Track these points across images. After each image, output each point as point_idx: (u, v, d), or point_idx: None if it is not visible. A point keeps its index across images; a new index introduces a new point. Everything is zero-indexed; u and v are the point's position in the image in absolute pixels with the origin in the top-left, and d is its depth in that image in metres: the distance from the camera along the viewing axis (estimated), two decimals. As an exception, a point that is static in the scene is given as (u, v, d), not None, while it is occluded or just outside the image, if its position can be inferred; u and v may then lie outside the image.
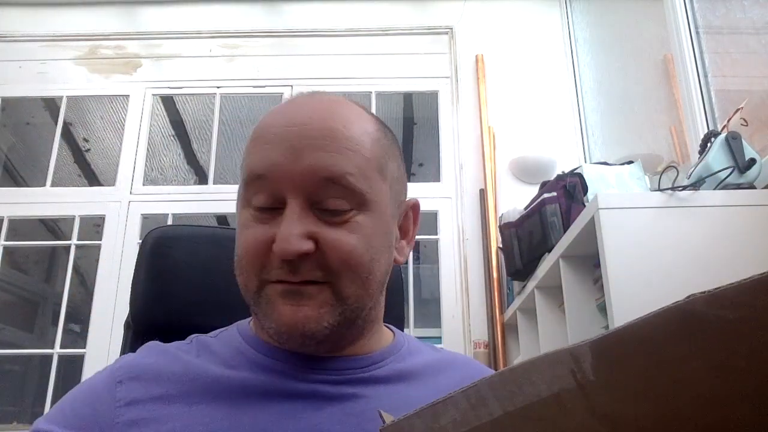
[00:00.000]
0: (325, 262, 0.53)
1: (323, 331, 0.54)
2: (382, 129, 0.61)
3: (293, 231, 0.52)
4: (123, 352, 0.81)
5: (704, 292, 0.28)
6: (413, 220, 0.66)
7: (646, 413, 0.28)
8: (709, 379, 0.28)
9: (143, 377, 0.56)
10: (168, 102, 3.11)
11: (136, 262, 0.82)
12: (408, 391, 0.59)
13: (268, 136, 0.56)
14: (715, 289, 0.27)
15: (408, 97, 3.15)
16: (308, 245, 0.52)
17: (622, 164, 1.70)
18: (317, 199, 0.54)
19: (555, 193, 1.66)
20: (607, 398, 0.28)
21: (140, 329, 0.80)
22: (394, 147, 0.62)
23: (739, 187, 1.24)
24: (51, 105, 3.06)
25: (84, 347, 2.32)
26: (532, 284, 1.80)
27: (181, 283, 0.81)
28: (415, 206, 0.66)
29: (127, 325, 0.83)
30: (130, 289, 0.81)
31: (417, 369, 0.62)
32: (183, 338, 0.63)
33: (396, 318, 0.81)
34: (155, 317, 0.79)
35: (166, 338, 0.81)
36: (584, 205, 1.49)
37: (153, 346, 0.61)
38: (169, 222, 2.49)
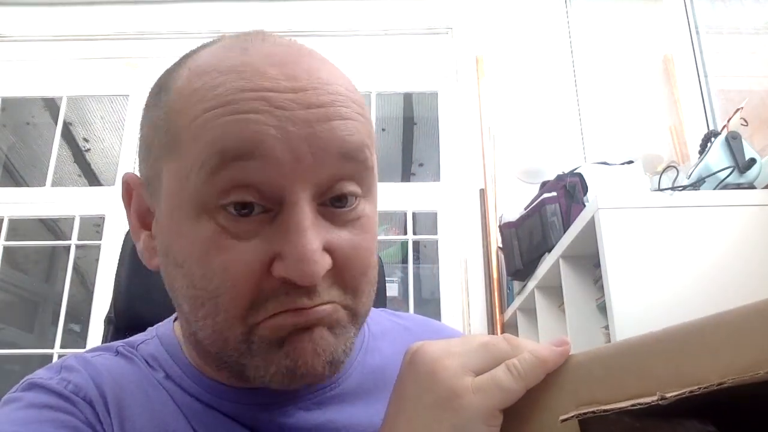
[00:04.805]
0: (342, 279, 0.41)
1: (342, 357, 0.42)
2: None
3: (314, 245, 0.38)
4: None
5: None
6: None
7: None
8: None
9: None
10: (168, 102, 3.10)
11: (120, 257, 0.80)
12: (384, 396, 0.44)
13: (244, 101, 0.38)
14: None
15: (408, 97, 3.15)
16: (329, 260, 0.39)
17: (622, 164, 1.70)
18: (325, 189, 0.40)
19: (555, 193, 1.66)
20: None
21: (122, 325, 0.79)
22: None
23: (739, 187, 1.24)
24: (51, 105, 3.05)
25: (84, 347, 2.32)
26: (532, 284, 1.80)
27: None
28: None
29: (108, 321, 0.81)
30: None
31: (387, 359, 0.53)
32: None
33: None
34: (138, 313, 0.78)
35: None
36: (584, 205, 1.49)
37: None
38: (169, 222, 2.49)
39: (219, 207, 0.39)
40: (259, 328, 0.39)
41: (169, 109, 0.42)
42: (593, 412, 0.30)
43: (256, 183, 0.38)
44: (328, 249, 0.39)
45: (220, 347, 0.41)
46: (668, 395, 0.28)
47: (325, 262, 0.39)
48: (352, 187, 0.41)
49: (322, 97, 0.40)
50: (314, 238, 0.38)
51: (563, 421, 0.31)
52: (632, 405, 0.29)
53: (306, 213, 0.38)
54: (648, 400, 0.28)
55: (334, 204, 0.41)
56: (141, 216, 0.46)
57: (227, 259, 0.38)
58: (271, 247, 0.38)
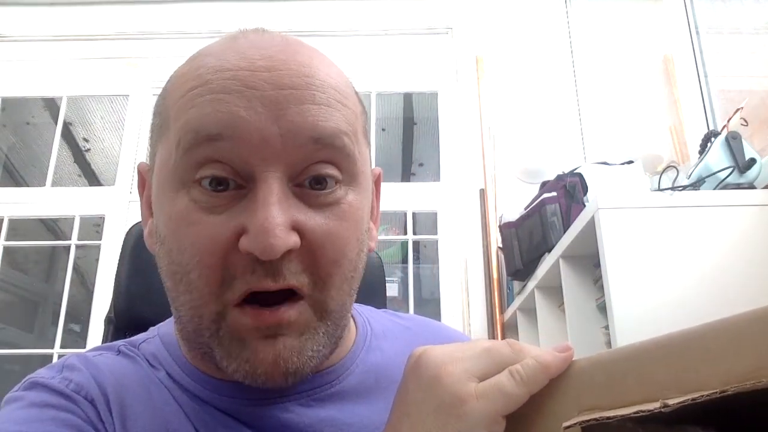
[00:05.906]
0: (312, 265, 0.41)
1: (308, 363, 0.42)
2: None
3: (277, 219, 0.37)
4: None
5: None
6: (377, 195, 0.52)
7: None
8: None
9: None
10: (168, 102, 3.10)
11: (120, 257, 0.80)
12: (385, 395, 0.47)
13: (219, 81, 0.39)
14: None
15: (408, 97, 3.15)
16: (295, 239, 0.39)
17: (622, 164, 1.70)
18: (299, 170, 0.40)
19: (555, 193, 1.66)
20: None
21: (122, 325, 0.79)
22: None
23: (739, 187, 1.24)
24: (51, 105, 3.06)
25: (84, 347, 2.32)
26: (532, 284, 1.80)
27: None
28: (379, 177, 0.53)
29: (108, 321, 0.81)
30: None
31: (388, 359, 0.53)
32: None
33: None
34: (138, 313, 0.77)
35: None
36: (584, 205, 1.49)
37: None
38: (169, 222, 2.49)
39: (194, 181, 0.40)
40: (229, 313, 0.40)
41: (164, 94, 0.45)
42: (596, 419, 0.30)
43: (227, 160, 0.39)
44: (298, 229, 0.39)
45: (197, 325, 0.42)
46: (671, 402, 0.28)
47: (289, 238, 0.38)
48: (330, 170, 0.41)
49: (296, 79, 0.40)
50: (279, 213, 0.38)
51: (566, 428, 0.31)
52: (635, 412, 0.29)
53: (273, 189, 0.38)
54: (651, 407, 0.28)
55: (313, 186, 0.41)
56: (148, 202, 0.47)
57: (196, 233, 0.39)
58: (238, 222, 0.39)
